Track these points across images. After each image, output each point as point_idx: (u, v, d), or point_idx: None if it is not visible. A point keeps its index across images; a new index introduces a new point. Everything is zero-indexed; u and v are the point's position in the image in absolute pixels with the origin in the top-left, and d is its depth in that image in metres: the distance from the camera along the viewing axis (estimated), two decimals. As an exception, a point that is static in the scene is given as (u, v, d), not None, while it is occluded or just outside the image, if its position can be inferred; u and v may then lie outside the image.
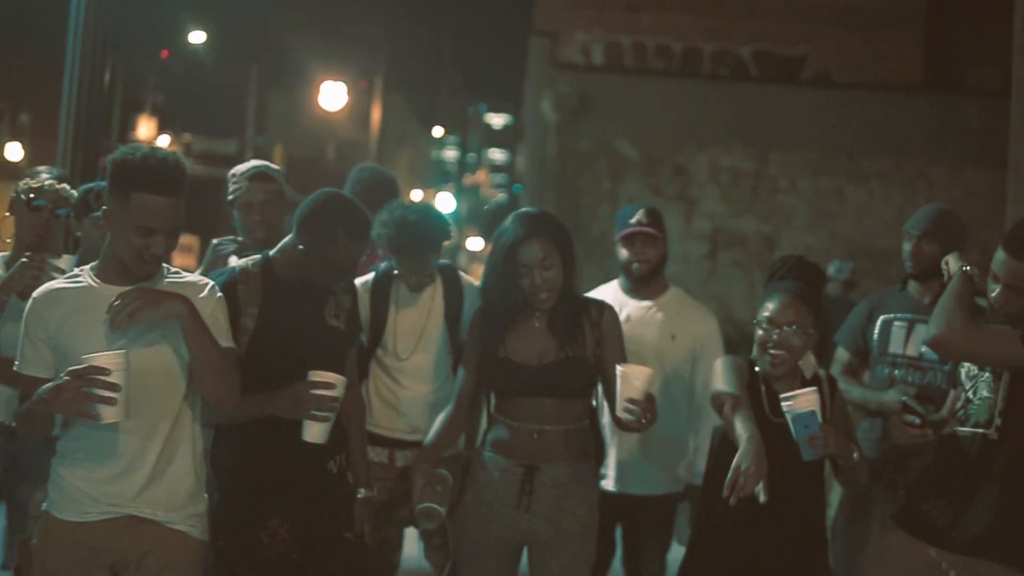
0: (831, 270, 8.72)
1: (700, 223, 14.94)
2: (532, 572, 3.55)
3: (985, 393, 3.14)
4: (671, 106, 15.19)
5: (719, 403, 3.40)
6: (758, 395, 3.45)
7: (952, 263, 3.28)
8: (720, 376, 3.48)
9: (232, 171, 4.01)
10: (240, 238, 4.01)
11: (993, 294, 3.15)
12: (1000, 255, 3.11)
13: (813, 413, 3.15)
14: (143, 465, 2.95)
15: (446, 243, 4.03)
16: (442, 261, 4.12)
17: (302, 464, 3.27)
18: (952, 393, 3.39)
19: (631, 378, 3.22)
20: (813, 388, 3.24)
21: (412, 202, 4.11)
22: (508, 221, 3.54)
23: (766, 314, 3.42)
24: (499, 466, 3.50)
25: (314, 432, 3.16)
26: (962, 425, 3.18)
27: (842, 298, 8.57)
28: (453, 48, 35.88)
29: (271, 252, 3.40)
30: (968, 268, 3.23)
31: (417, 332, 4.00)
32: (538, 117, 15.63)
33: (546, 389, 3.45)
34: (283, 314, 3.28)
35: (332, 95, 21.97)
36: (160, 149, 2.93)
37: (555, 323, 3.50)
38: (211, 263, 3.97)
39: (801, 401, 3.16)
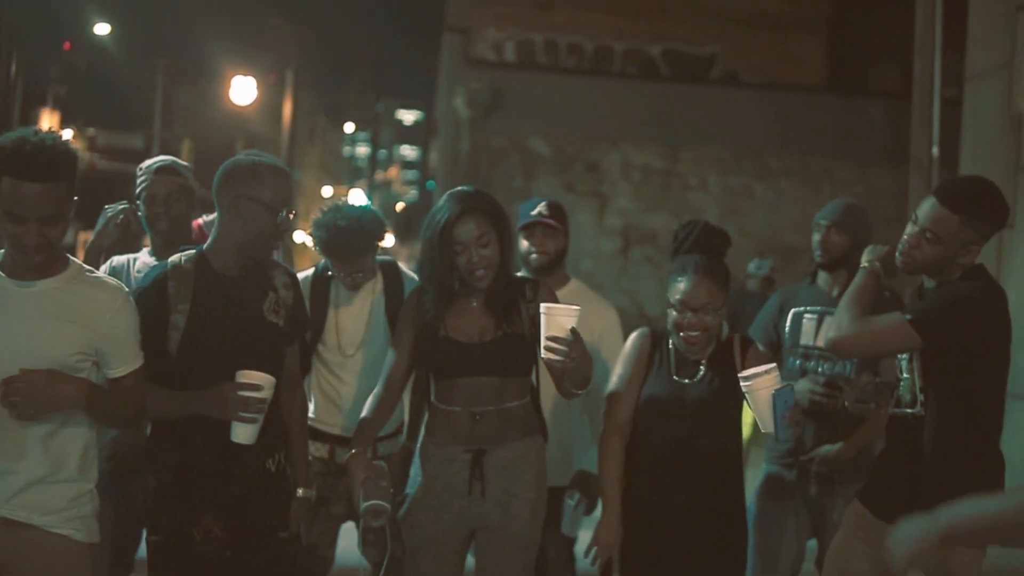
0: (751, 267, 8.85)
1: (612, 219, 15.07)
2: (478, 557, 3.51)
3: (906, 374, 3.24)
4: (583, 104, 15.29)
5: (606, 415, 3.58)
6: (667, 359, 3.51)
7: (864, 256, 3.35)
8: (617, 367, 3.63)
9: (140, 165, 3.99)
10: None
11: (906, 236, 3.23)
12: (930, 201, 3.21)
13: (791, 387, 3.20)
14: (21, 469, 2.86)
15: (380, 243, 4.00)
16: (383, 257, 4.10)
17: (239, 462, 3.20)
18: (865, 377, 3.47)
19: (556, 314, 3.17)
20: (773, 365, 3.26)
21: (346, 204, 4.06)
22: (442, 200, 3.50)
23: (678, 296, 3.43)
24: (446, 455, 3.46)
25: (241, 434, 3.10)
26: (897, 406, 3.29)
27: (761, 294, 8.68)
28: (364, 43, 35.63)
29: (204, 246, 3.32)
30: (874, 263, 3.31)
31: (360, 328, 3.98)
32: (451, 113, 15.62)
33: (487, 367, 3.42)
34: (217, 310, 3.19)
35: (242, 89, 21.67)
36: (45, 133, 2.77)
37: (492, 301, 3.47)
38: (102, 230, 3.96)
39: (767, 380, 3.18)
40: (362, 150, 50.31)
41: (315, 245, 3.97)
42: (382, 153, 58.59)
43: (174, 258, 3.28)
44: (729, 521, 3.48)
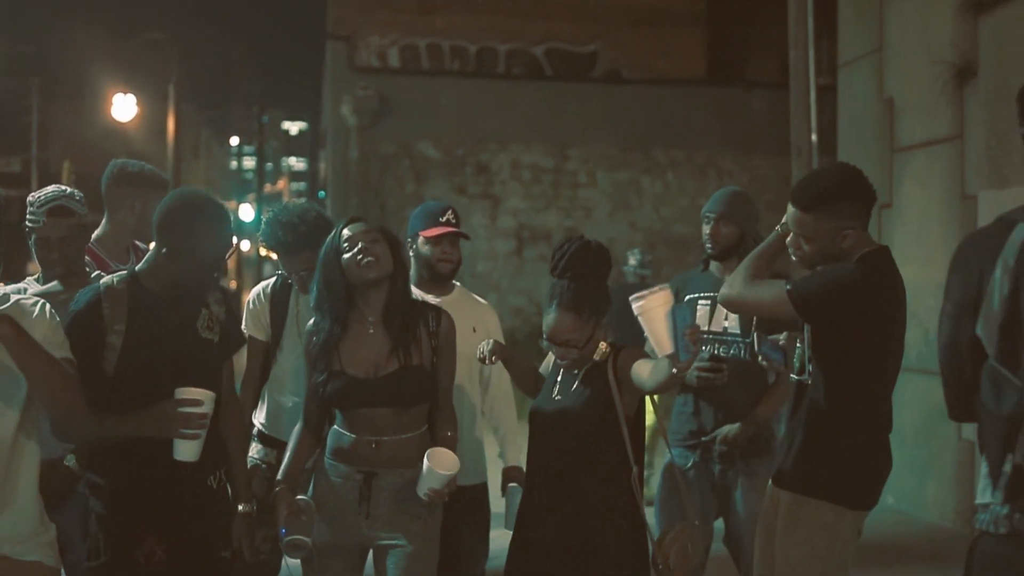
0: (631, 260, 8.98)
1: (505, 220, 15.19)
2: (378, 572, 3.56)
3: (799, 344, 3.38)
4: (470, 106, 15.36)
5: None
6: (555, 374, 3.57)
7: (782, 221, 3.43)
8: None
9: (30, 197, 3.81)
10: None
11: (789, 239, 3.38)
12: (789, 208, 3.35)
13: (686, 304, 3.25)
14: None
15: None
16: None
17: (181, 480, 3.20)
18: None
19: (438, 469, 3.34)
20: (664, 285, 3.27)
21: (291, 202, 4.11)
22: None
23: (545, 329, 3.47)
24: (339, 473, 3.51)
25: (184, 451, 3.11)
26: (793, 373, 3.45)
27: (640, 286, 8.82)
28: (247, 55, 35.14)
29: (137, 267, 3.32)
30: (785, 226, 3.39)
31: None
32: (338, 122, 15.55)
33: (384, 400, 3.46)
34: (152, 329, 3.20)
35: (122, 107, 21.21)
36: None
37: (390, 328, 3.50)
38: None
39: (659, 298, 3.18)
40: (249, 163, 49.66)
41: (262, 241, 4.04)
42: (269, 166, 57.87)
43: (106, 280, 3.28)
44: (617, 526, 3.43)
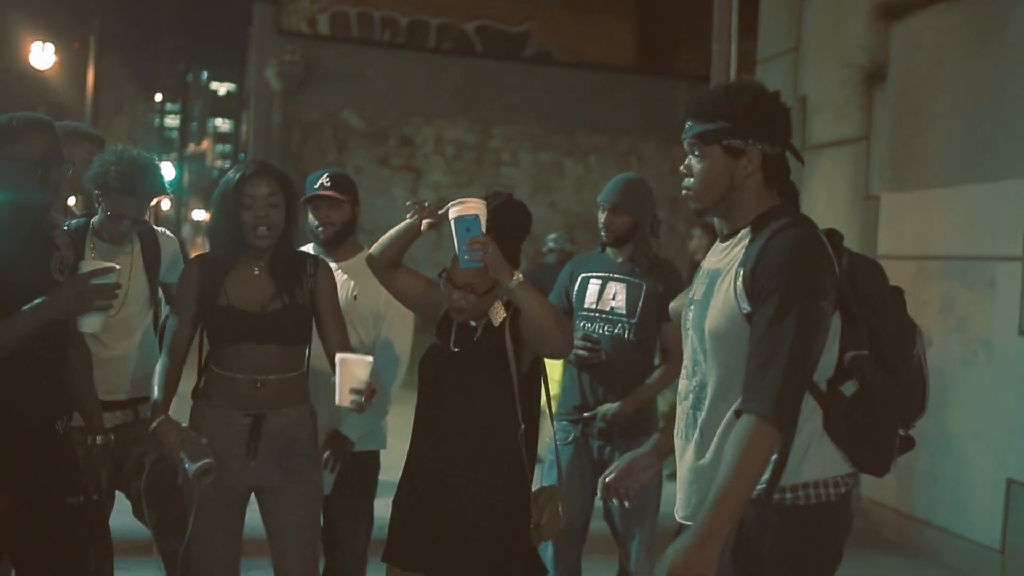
0: (549, 241, 9.10)
1: (426, 194, 15.18)
2: (267, 518, 3.61)
3: None
4: (397, 78, 15.31)
5: None
6: (449, 326, 3.53)
7: None
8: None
9: None
10: None
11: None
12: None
13: (476, 218, 3.13)
14: None
15: (158, 199, 3.97)
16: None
17: (27, 425, 3.13)
18: None
19: (352, 367, 3.26)
20: (483, 201, 3.21)
21: (129, 147, 4.04)
22: (236, 166, 3.64)
23: (448, 271, 3.43)
24: (223, 417, 3.54)
25: (92, 323, 3.10)
26: None
27: (559, 267, 8.93)
28: (173, 11, 34.43)
29: None
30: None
31: (123, 289, 3.92)
32: (262, 85, 15.39)
33: (269, 336, 3.50)
34: (5, 270, 3.11)
35: (40, 56, 20.78)
36: None
37: (275, 270, 3.58)
38: None
39: (469, 206, 3.14)
40: (172, 121, 48.79)
41: (94, 185, 3.93)
42: (194, 125, 56.99)
43: None
44: (502, 486, 3.41)
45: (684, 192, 2.62)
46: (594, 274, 4.31)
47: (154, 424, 3.39)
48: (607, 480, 2.86)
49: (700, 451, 2.53)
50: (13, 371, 3.05)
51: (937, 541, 6.31)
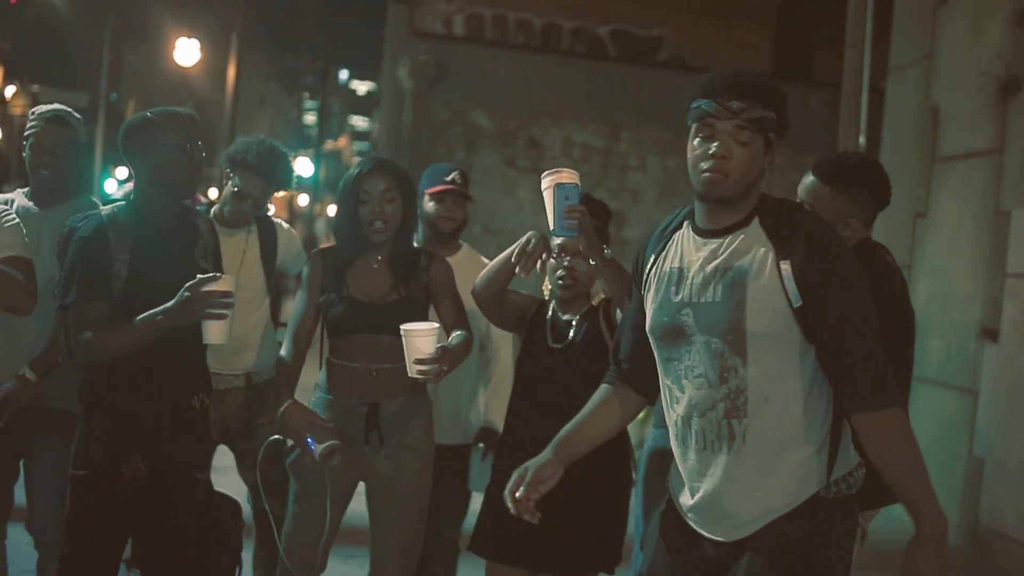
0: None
1: (550, 196, 15.17)
2: (373, 507, 3.68)
3: None
4: (528, 80, 15.36)
5: None
6: (543, 323, 3.64)
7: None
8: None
9: (34, 109, 4.02)
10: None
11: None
12: (808, 177, 3.41)
13: (576, 187, 3.11)
14: None
15: (283, 193, 4.21)
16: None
17: (167, 399, 3.32)
18: None
19: (414, 338, 3.33)
20: (575, 173, 3.20)
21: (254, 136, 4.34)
22: (357, 163, 3.80)
23: (558, 242, 3.45)
24: (342, 407, 3.64)
25: (214, 332, 3.17)
26: None
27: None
28: (315, 10, 35.24)
29: (130, 199, 3.43)
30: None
31: (234, 272, 4.04)
32: (395, 84, 15.62)
33: (386, 326, 3.57)
34: (155, 258, 3.30)
35: (185, 51, 21.50)
36: None
37: (394, 263, 3.70)
38: None
39: (565, 175, 3.11)
40: (312, 118, 49.94)
41: (230, 161, 4.16)
42: (333, 122, 58.18)
43: (106, 210, 3.38)
44: (605, 479, 3.54)
45: (711, 175, 2.48)
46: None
47: (282, 408, 3.53)
48: (517, 496, 2.71)
49: (747, 459, 2.46)
50: (155, 348, 3.23)
51: (1057, 573, 6.05)
